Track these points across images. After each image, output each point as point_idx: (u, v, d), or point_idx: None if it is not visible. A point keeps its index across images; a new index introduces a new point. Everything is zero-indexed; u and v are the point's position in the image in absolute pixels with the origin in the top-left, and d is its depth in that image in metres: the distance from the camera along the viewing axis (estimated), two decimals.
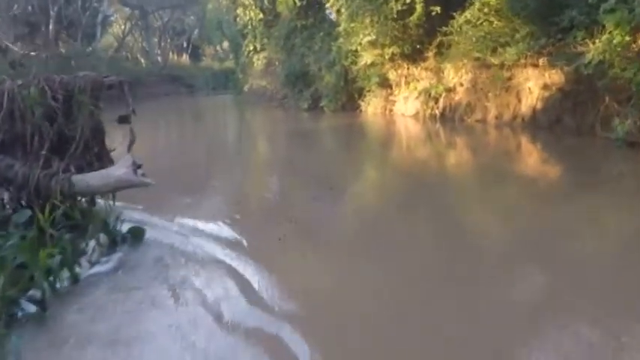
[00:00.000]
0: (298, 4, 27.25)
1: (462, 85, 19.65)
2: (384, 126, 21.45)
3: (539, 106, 16.44)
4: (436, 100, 20.52)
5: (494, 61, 17.29)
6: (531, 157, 13.86)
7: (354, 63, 23.08)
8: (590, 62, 13.11)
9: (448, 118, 19.99)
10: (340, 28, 23.13)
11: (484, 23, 17.86)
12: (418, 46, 21.23)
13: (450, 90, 20.12)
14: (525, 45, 16.11)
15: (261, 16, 31.36)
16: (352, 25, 21.98)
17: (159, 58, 59.68)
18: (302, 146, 17.87)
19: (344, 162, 14.75)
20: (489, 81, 18.22)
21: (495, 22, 17.52)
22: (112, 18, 59.44)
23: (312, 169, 13.33)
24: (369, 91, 24.09)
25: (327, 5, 24.37)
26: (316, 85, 27.20)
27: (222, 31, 39.04)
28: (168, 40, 63.04)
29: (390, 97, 23.23)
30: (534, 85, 16.53)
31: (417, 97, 21.36)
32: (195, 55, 64.32)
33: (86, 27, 48.71)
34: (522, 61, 16.53)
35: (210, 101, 45.62)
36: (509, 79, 17.35)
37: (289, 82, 29.33)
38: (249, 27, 32.62)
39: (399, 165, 14.14)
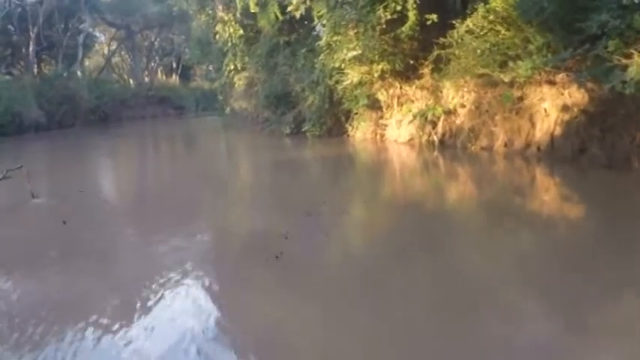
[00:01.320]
0: (281, 18, 24.59)
1: (463, 106, 17.34)
2: (375, 154, 19.25)
3: (557, 131, 14.33)
4: (434, 124, 18.22)
5: (503, 77, 15.05)
6: (548, 195, 11.90)
7: (339, 82, 20.56)
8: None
9: (448, 145, 17.74)
10: (322, 42, 20.58)
11: (489, 33, 15.67)
12: (412, 62, 18.98)
13: (449, 112, 17.81)
14: (541, 58, 13.83)
15: (241, 32, 28.90)
16: (335, 38, 19.54)
17: (146, 79, 58.40)
18: (283, 180, 15.97)
19: (330, 198, 12.86)
20: (496, 101, 16.05)
21: (503, 32, 15.30)
22: (98, 38, 58.10)
23: (295, 204, 11.88)
24: (356, 113, 21.82)
25: (315, 18, 21.47)
26: (299, 107, 24.96)
27: (201, 50, 36.43)
28: (157, 60, 61.57)
29: (381, 121, 20.84)
30: (551, 106, 14.46)
31: (411, 121, 18.99)
32: (186, 75, 62.81)
33: (67, 48, 47.53)
34: (536, 77, 14.40)
35: (193, 124, 45.01)
36: (521, 99, 15.27)
37: (270, 104, 27.35)
38: (229, 44, 30.15)
39: (392, 200, 12.54)
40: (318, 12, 20.66)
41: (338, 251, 8.78)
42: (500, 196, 11.94)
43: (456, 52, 16.83)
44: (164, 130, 42.10)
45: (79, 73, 49.71)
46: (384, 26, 17.83)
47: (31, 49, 45.30)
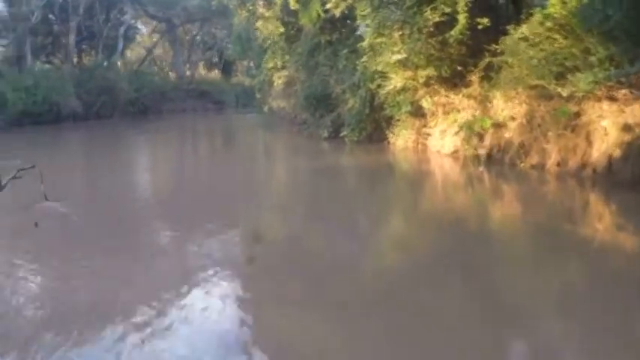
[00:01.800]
0: (323, 16, 23.57)
1: (514, 119, 16.03)
2: (416, 165, 18.21)
3: (617, 153, 13.09)
4: (481, 137, 16.96)
5: (561, 91, 13.91)
6: (602, 223, 11.00)
7: (382, 86, 19.42)
8: None
9: (495, 160, 16.45)
10: (364, 44, 19.41)
11: (545, 41, 14.61)
12: (459, 69, 17.80)
13: (498, 125, 16.51)
14: (602, 72, 12.81)
15: (282, 29, 28.06)
16: (379, 40, 18.36)
17: (187, 73, 58.15)
18: (320, 189, 15.28)
19: (366, 211, 12.70)
20: (550, 116, 14.77)
21: (561, 40, 14.27)
22: (140, 30, 58.26)
23: (330, 215, 11.91)
24: (398, 120, 20.64)
25: (358, 17, 20.42)
26: (339, 111, 23.94)
27: (241, 46, 35.64)
28: (199, 54, 61.51)
29: (424, 130, 19.64)
30: (611, 124, 13.26)
31: (457, 132, 17.78)
32: (228, 70, 62.19)
33: (108, 38, 47.43)
34: (596, 92, 13.37)
35: (232, 121, 45.13)
36: (577, 115, 14.06)
37: (309, 105, 26.36)
38: (269, 42, 29.44)
39: (430, 216, 12.00)
40: (362, 11, 19.55)
41: (369, 267, 8.50)
42: (548, 220, 10.99)
43: (509, 60, 15.67)
44: (202, 126, 41.75)
45: (119, 64, 49.61)
46: (431, 29, 16.74)
47: (71, 38, 45.13)
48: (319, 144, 23.74)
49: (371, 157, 19.56)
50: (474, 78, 17.40)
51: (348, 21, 23.79)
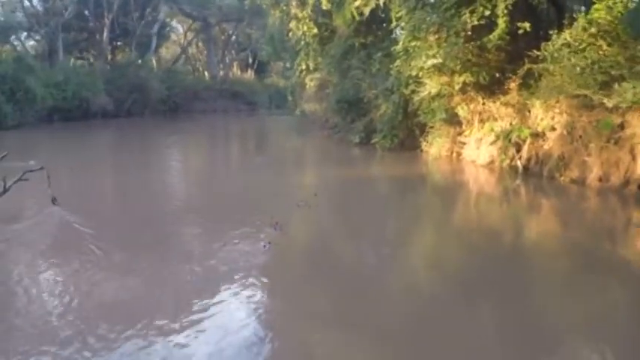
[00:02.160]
0: (357, 18, 22.84)
1: (553, 129, 15.24)
2: (450, 176, 17.59)
3: None
4: (518, 147, 16.17)
5: (606, 102, 13.11)
6: None
7: (416, 92, 18.69)
8: None
9: (533, 172, 15.68)
10: (398, 47, 18.63)
11: (589, 48, 13.90)
12: (497, 75, 17.08)
13: (537, 135, 15.73)
14: None
15: (315, 31, 27.36)
16: (413, 43, 17.54)
17: (221, 73, 57.87)
18: (350, 200, 14.49)
19: (397, 226, 12.09)
20: (592, 127, 14.01)
21: (605, 47, 13.64)
22: (175, 29, 58.53)
23: (360, 230, 11.37)
24: (432, 127, 19.95)
25: (394, 20, 19.62)
26: (371, 116, 23.24)
27: (274, 47, 35.16)
28: (233, 55, 61.36)
29: (459, 138, 18.88)
30: None
31: (493, 142, 16.96)
32: (262, 71, 62.14)
33: (142, 36, 47.46)
34: None
35: (263, 123, 44.69)
36: (621, 127, 13.34)
37: (341, 109, 25.67)
38: (302, 43, 28.64)
39: (463, 232, 11.30)
40: (397, 13, 18.79)
41: (398, 285, 8.17)
42: (587, 239, 10.44)
43: (550, 67, 14.89)
44: (233, 127, 41.54)
45: (153, 61, 49.62)
46: (469, 33, 16.01)
47: (105, 35, 45.32)
48: (350, 150, 23.18)
49: (403, 167, 18.90)
50: (512, 85, 16.66)
51: (384, 24, 23.12)
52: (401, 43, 18.36)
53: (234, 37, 60.94)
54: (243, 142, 33.75)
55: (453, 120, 18.62)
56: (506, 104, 16.87)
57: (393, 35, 22.19)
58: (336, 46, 26.36)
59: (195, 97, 50.99)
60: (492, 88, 17.18)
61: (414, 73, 17.97)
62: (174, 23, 58.34)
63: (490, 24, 15.75)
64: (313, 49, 28.25)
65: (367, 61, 23.74)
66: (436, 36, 16.67)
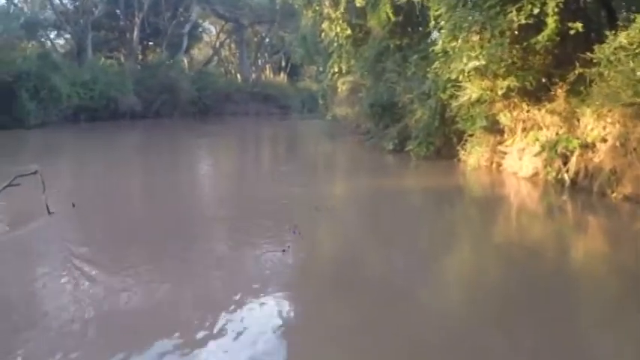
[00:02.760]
0: (393, 19, 21.73)
1: (605, 140, 13.76)
2: (489, 189, 16.17)
3: None
4: (565, 159, 14.69)
5: None
6: None
7: (454, 97, 17.30)
8: None
9: (582, 187, 14.14)
10: (437, 48, 17.25)
11: None
12: (544, 80, 15.65)
13: (586, 146, 14.26)
14: None
15: (348, 32, 26.14)
16: (453, 44, 16.12)
17: (253, 75, 57.48)
18: (381, 212, 13.52)
19: (431, 240, 11.22)
20: None
21: None
22: (208, 30, 58.35)
23: (392, 243, 10.65)
24: (471, 135, 18.45)
25: (432, 19, 18.31)
26: (406, 121, 22.00)
27: (306, 49, 34.12)
28: (266, 57, 60.95)
29: (500, 148, 17.44)
30: None
31: (538, 153, 15.56)
32: (296, 74, 61.67)
33: (173, 36, 46.86)
34: None
35: (295, 127, 43.64)
36: None
37: (374, 114, 24.50)
38: (335, 45, 27.54)
39: (501, 251, 10.30)
40: (436, 11, 17.45)
41: (432, 304, 7.61)
42: (638, 265, 9.26)
43: (605, 72, 13.37)
44: (265, 131, 40.77)
45: (185, 62, 49.16)
46: (515, 33, 14.61)
47: (135, 34, 44.99)
48: (383, 157, 22.01)
49: (440, 177, 17.64)
50: (559, 91, 15.23)
51: (421, 26, 22.08)
52: (440, 43, 16.99)
53: (267, 40, 60.45)
54: (273, 146, 33.00)
55: (494, 128, 17.24)
56: (552, 112, 15.40)
57: (431, 37, 20.88)
58: (370, 47, 25.29)
59: (226, 99, 50.55)
60: (538, 95, 15.76)
61: (453, 77, 16.49)
62: (206, 24, 58.02)
63: (538, 23, 14.29)
64: (346, 51, 27.11)
65: (402, 64, 22.60)
66: (479, 36, 15.29)
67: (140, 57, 47.45)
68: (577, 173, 14.35)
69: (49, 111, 33.31)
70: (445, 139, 19.73)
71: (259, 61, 60.97)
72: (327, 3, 26.52)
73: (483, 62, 15.13)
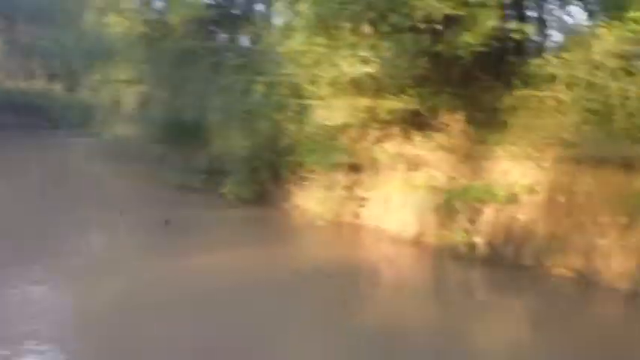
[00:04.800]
0: (205, 10, 17.21)
1: (534, 191, 10.01)
2: (351, 261, 10.51)
3: None
4: (473, 216, 10.40)
5: None
6: None
7: (303, 119, 12.35)
8: None
9: (502, 257, 10.08)
10: (294, 48, 12.15)
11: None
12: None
13: (507, 199, 10.14)
14: None
15: (142, 28, 20.83)
16: (319, 41, 10.92)
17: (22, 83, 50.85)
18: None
19: None
20: (605, 193, 9.24)
21: None
22: None
23: None
24: (312, 172, 13.32)
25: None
26: (216, 150, 16.50)
27: (85, 49, 27.73)
28: (38, 62, 54.60)
29: (357, 191, 12.55)
30: None
31: (434, 206, 10.90)
32: (74, 83, 54.69)
33: None
34: None
35: (58, 149, 34.12)
36: None
37: (170, 136, 18.70)
38: (123, 44, 22.11)
39: None
40: None
41: None
42: None
43: (539, 94, 9.37)
44: (16, 159, 27.79)
45: None
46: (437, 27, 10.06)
47: None
48: (185, 198, 15.71)
49: (268, 239, 11.93)
50: (459, 117, 10.78)
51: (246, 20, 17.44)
52: (295, 40, 11.77)
53: (42, 42, 54.00)
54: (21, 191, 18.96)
55: (351, 164, 12.54)
56: (443, 147, 11.00)
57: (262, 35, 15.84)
58: (168, 49, 19.89)
59: None
60: (426, 121, 11.20)
61: (316, 89, 11.43)
62: None
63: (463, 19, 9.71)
64: (137, 53, 21.79)
65: (216, 71, 17.50)
66: (373, 29, 10.33)
67: None
68: (493, 236, 10.22)
69: None
70: (274, 175, 14.62)
71: (31, 67, 54.38)
72: None
73: (371, 70, 10.12)
